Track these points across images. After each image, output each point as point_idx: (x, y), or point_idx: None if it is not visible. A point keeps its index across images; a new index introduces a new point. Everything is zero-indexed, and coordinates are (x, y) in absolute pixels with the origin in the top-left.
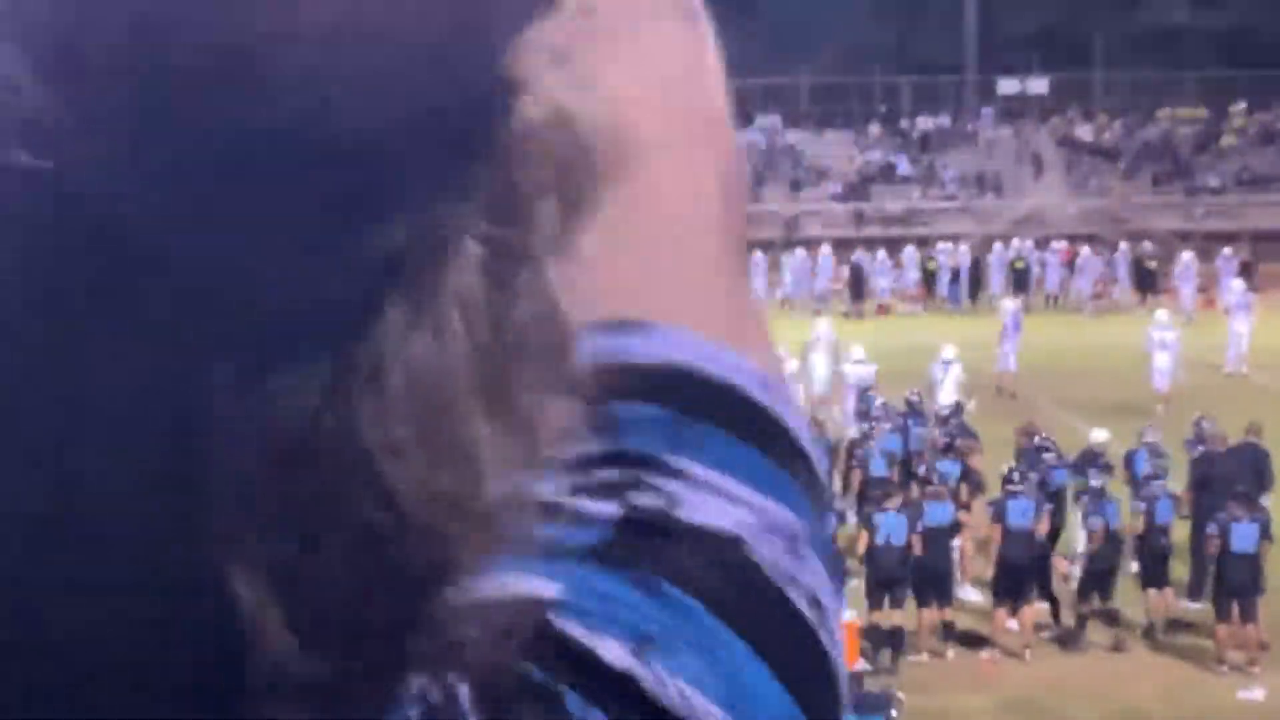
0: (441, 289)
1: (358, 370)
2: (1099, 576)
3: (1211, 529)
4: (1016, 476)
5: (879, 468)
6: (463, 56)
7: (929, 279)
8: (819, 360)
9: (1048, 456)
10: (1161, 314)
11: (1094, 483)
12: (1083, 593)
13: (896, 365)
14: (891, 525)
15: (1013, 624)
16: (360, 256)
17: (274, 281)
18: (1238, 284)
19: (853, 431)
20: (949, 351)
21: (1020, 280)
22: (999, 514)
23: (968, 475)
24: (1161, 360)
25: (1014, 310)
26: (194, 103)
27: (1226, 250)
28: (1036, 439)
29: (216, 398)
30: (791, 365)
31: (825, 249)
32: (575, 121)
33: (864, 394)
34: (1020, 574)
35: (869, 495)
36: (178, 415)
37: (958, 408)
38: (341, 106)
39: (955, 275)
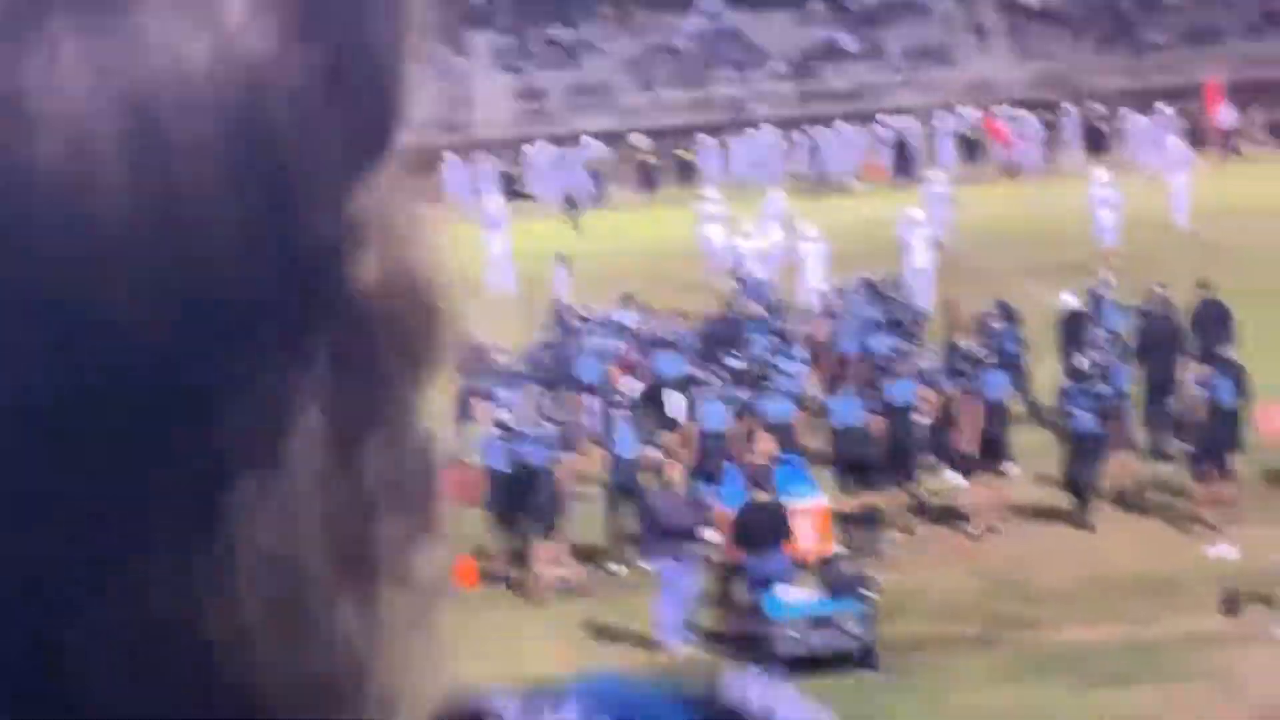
0: (287, 461)
1: (206, 557)
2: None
3: (1198, 390)
4: (985, 351)
5: (850, 348)
6: (284, 225)
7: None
8: (774, 230)
9: (996, 325)
10: (1101, 172)
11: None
12: (1074, 465)
13: (853, 244)
14: (846, 409)
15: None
16: (201, 437)
17: (118, 471)
18: (1174, 141)
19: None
20: (916, 213)
21: (970, 150)
22: (977, 388)
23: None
24: (1105, 218)
25: (939, 184)
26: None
27: (1166, 109)
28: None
29: (68, 594)
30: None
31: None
32: (416, 281)
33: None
34: (997, 447)
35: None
36: (33, 602)
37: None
38: (162, 289)
39: (902, 149)
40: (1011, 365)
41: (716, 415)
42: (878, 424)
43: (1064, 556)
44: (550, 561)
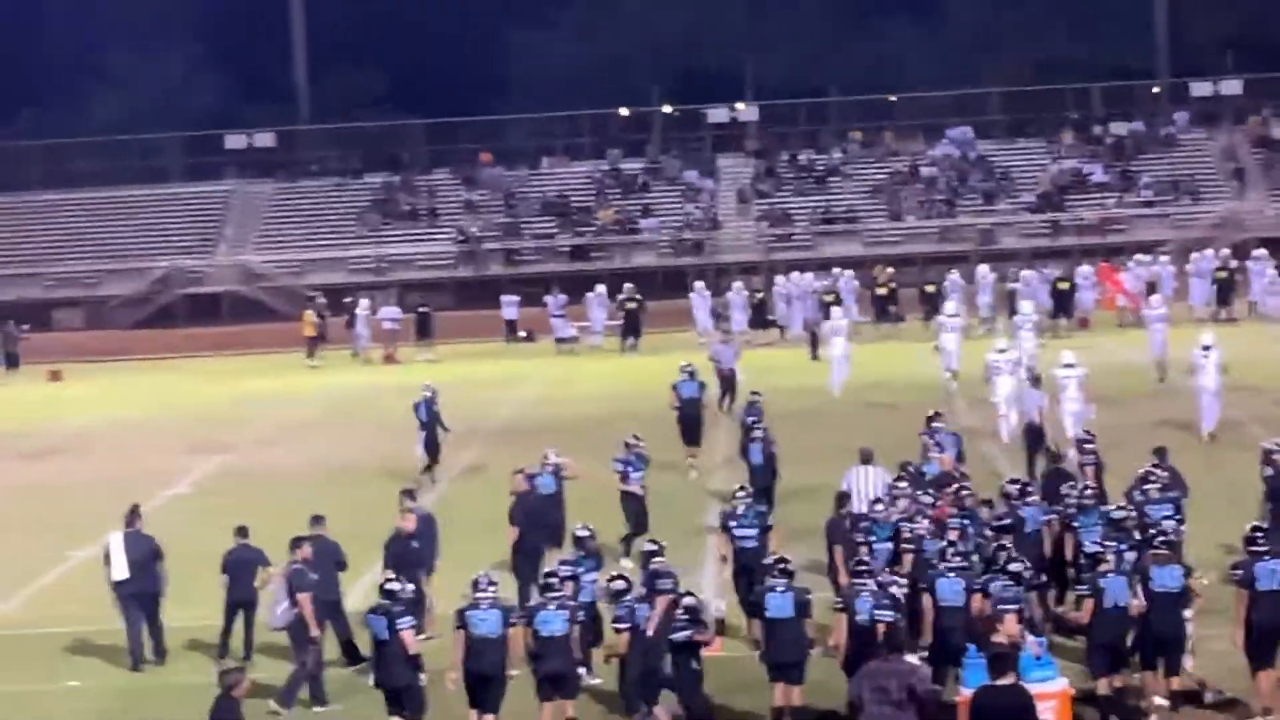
0: None
1: None
2: None
3: None
4: (1260, 536)
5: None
6: None
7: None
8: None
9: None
10: None
11: None
12: None
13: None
14: (1117, 588)
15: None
16: None
17: None
18: None
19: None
20: (1208, 337)
21: (1224, 290)
22: (1247, 579)
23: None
24: None
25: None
26: None
27: None
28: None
29: None
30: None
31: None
32: None
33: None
34: (1273, 637)
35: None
36: None
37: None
38: None
39: (1151, 287)
40: None
41: (954, 590)
42: (1137, 606)
43: None
44: None
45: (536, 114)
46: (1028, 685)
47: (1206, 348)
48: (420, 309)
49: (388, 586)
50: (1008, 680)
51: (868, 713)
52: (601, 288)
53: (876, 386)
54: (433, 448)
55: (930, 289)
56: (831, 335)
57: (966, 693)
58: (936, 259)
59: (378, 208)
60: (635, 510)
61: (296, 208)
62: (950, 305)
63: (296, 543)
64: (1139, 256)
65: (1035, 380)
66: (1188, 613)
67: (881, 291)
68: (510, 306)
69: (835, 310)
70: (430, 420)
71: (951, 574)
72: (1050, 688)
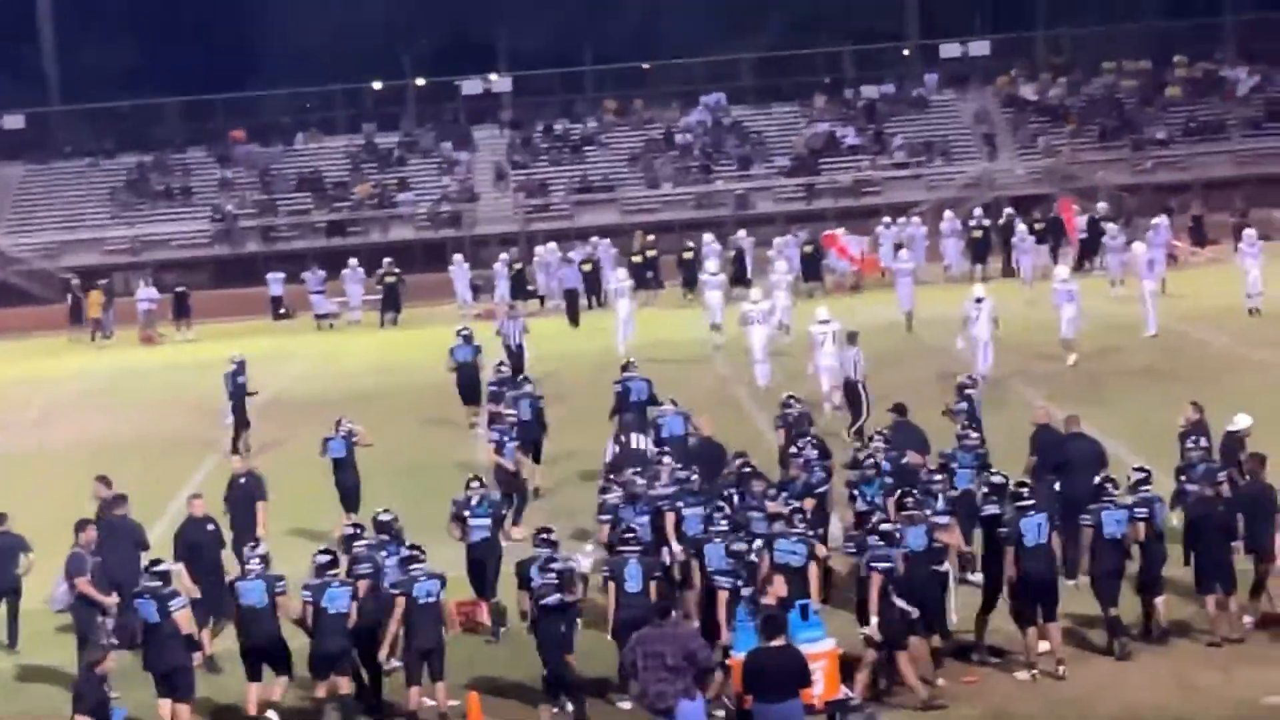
0: None
1: None
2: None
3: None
4: (1026, 491)
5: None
6: None
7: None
8: (781, 297)
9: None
10: (1061, 270)
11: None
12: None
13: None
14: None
15: (1044, 644)
16: None
17: None
18: (1139, 248)
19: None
20: (980, 290)
21: (978, 249)
22: (1013, 535)
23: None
24: (1069, 311)
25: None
26: None
27: (1156, 220)
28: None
29: None
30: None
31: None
32: None
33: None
34: (1045, 590)
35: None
36: None
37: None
38: None
39: (898, 247)
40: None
41: (719, 554)
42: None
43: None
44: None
45: (290, 89)
46: (798, 646)
47: (979, 300)
48: (177, 289)
49: (157, 569)
50: (778, 642)
51: (641, 679)
52: (355, 262)
53: (638, 350)
54: (239, 419)
55: (687, 255)
56: (617, 298)
57: (738, 656)
58: (693, 225)
59: (131, 188)
60: (508, 482)
61: (48, 189)
62: (711, 264)
63: (81, 525)
64: (887, 219)
65: (851, 337)
66: (944, 568)
67: (638, 259)
68: (276, 283)
69: (620, 272)
70: (237, 391)
71: (717, 539)
72: (819, 648)
